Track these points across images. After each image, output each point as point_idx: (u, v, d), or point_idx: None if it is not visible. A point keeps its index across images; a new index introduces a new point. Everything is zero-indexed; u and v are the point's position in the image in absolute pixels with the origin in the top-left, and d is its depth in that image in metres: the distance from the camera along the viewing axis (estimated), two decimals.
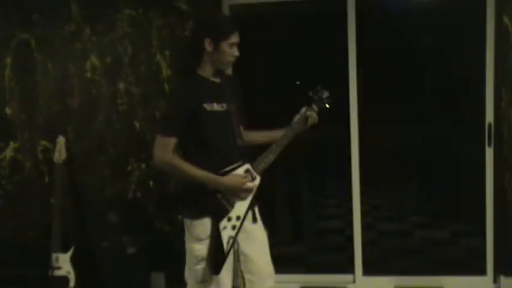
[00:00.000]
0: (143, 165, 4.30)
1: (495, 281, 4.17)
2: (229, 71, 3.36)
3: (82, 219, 4.42)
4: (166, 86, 4.23)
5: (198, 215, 2.75)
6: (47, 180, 4.39)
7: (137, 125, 4.30)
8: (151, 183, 4.30)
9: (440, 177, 5.20)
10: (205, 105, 2.71)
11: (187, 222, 2.81)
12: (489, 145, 4.11)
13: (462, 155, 4.79)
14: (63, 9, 4.28)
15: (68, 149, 4.28)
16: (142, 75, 4.28)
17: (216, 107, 2.74)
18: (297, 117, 2.92)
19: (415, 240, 5.09)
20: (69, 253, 4.11)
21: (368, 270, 4.31)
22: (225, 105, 2.78)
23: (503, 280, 4.10)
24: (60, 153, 4.21)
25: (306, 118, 2.90)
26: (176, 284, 4.10)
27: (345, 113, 4.20)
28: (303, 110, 2.93)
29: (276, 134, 2.90)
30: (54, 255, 4.09)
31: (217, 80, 2.82)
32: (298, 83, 5.05)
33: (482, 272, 4.21)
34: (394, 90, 4.93)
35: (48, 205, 4.29)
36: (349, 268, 4.35)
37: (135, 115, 4.30)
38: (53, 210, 4.16)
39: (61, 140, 4.24)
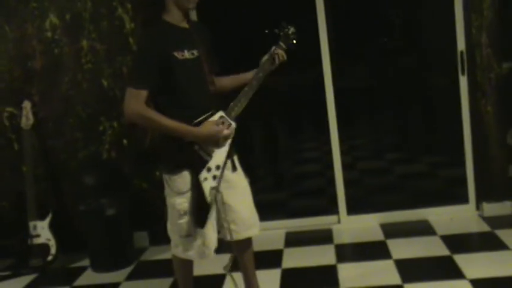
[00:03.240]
0: (115, 124, 4.18)
1: (478, 208, 4.22)
2: (194, 17, 3.23)
3: (57, 185, 4.32)
4: (130, 39, 4.08)
5: (177, 168, 2.66)
6: (16, 147, 4.25)
7: (105, 82, 4.16)
8: (125, 141, 4.20)
9: (415, 111, 5.19)
10: (176, 54, 2.58)
11: (166, 177, 2.72)
12: (462, 73, 4.08)
13: (436, 86, 4.76)
14: None
15: (35, 113, 4.15)
16: (105, 30, 4.12)
17: (187, 54, 2.62)
18: (265, 57, 2.81)
19: (395, 176, 5.11)
20: (47, 220, 4.03)
21: (351, 210, 4.32)
22: (195, 52, 2.66)
23: (486, 206, 4.15)
24: (27, 118, 4.08)
25: (274, 56, 2.80)
26: (160, 241, 4.08)
27: (317, 57, 4.12)
28: (272, 49, 2.83)
29: (247, 76, 2.81)
30: (31, 224, 4.01)
31: (186, 26, 2.68)
32: (266, 31, 4.90)
33: (464, 200, 4.26)
34: (362, 28, 4.83)
35: (21, 173, 4.16)
36: (332, 209, 4.36)
37: (102, 73, 4.16)
38: (25, 178, 4.04)
39: (27, 105, 4.10)
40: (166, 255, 3.97)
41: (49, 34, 4.14)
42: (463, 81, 4.09)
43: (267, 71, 2.79)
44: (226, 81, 2.91)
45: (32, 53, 4.17)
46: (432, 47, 4.64)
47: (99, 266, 4.02)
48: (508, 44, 3.93)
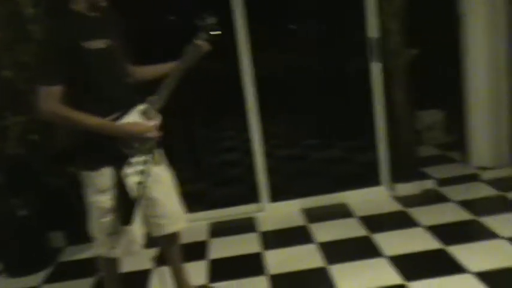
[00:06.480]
0: (22, 118, 3.92)
1: (391, 189, 4.39)
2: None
3: None
4: (30, 27, 3.81)
5: (96, 165, 2.55)
6: None
7: (6, 74, 3.88)
8: (35, 136, 3.96)
9: (330, 98, 5.27)
10: (84, 44, 2.43)
11: (84, 174, 2.60)
12: (374, 60, 4.19)
13: (349, 73, 4.87)
14: None
15: None
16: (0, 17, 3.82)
17: (97, 44, 2.48)
18: (187, 49, 2.73)
19: (314, 162, 5.21)
20: None
21: (273, 197, 4.36)
22: (107, 41, 2.52)
23: (398, 187, 4.34)
24: None
25: (196, 48, 2.72)
26: (78, 240, 3.92)
27: (233, 45, 4.09)
28: (193, 40, 2.75)
29: (168, 66, 2.72)
30: None
31: (95, 14, 2.53)
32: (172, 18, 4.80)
33: (378, 182, 4.42)
34: (277, 16, 4.85)
35: None
36: (254, 197, 4.37)
37: (1, 63, 3.88)
38: None
39: None
40: (85, 255, 3.83)
41: None
42: (375, 68, 4.21)
43: (190, 62, 2.71)
44: (146, 72, 2.81)
45: None
46: (344, 35, 4.73)
47: (13, 271, 3.80)
48: (414, 31, 4.09)
